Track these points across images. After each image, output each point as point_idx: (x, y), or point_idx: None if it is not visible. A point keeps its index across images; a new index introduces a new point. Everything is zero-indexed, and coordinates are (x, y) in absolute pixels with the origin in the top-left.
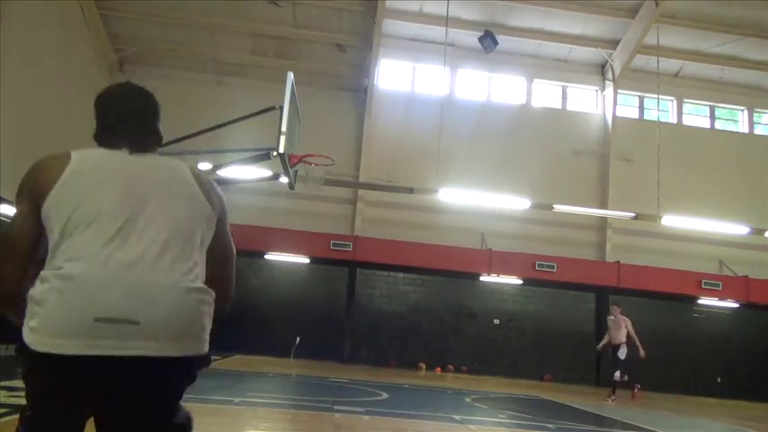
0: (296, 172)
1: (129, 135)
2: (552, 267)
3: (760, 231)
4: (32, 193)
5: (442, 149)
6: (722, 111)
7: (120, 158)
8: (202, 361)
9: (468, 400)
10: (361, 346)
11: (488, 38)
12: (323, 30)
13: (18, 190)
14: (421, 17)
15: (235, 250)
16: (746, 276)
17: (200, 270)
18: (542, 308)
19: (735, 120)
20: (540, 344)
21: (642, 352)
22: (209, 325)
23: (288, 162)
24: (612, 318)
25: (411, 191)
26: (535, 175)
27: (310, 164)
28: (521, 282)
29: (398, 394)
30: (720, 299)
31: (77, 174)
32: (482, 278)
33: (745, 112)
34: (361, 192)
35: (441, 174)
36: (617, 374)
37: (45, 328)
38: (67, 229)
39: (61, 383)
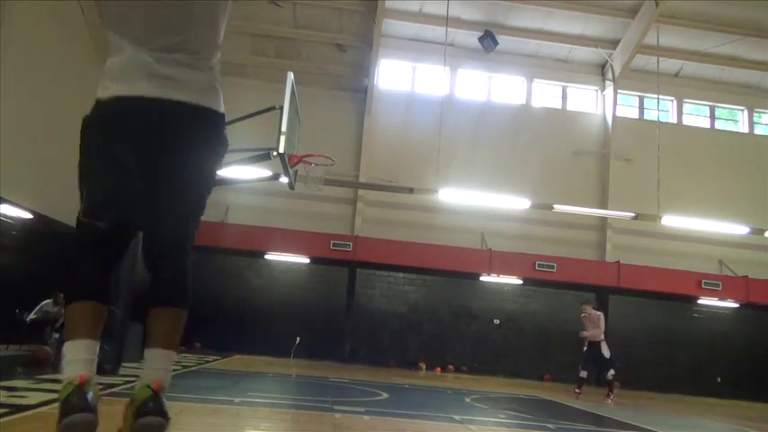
0: (296, 172)
1: None
2: (552, 267)
3: (760, 231)
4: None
5: (442, 149)
6: (722, 111)
7: None
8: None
9: (468, 400)
10: (361, 346)
11: (488, 38)
12: (323, 30)
13: None
14: (421, 17)
15: None
16: (746, 276)
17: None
18: (542, 308)
19: (735, 120)
20: (540, 344)
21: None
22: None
23: (288, 162)
24: (586, 315)
25: (411, 191)
26: (535, 175)
27: (310, 164)
28: (521, 282)
29: (398, 394)
30: (720, 299)
31: None
32: (482, 278)
33: (745, 112)
34: (361, 192)
35: (441, 174)
36: (611, 373)
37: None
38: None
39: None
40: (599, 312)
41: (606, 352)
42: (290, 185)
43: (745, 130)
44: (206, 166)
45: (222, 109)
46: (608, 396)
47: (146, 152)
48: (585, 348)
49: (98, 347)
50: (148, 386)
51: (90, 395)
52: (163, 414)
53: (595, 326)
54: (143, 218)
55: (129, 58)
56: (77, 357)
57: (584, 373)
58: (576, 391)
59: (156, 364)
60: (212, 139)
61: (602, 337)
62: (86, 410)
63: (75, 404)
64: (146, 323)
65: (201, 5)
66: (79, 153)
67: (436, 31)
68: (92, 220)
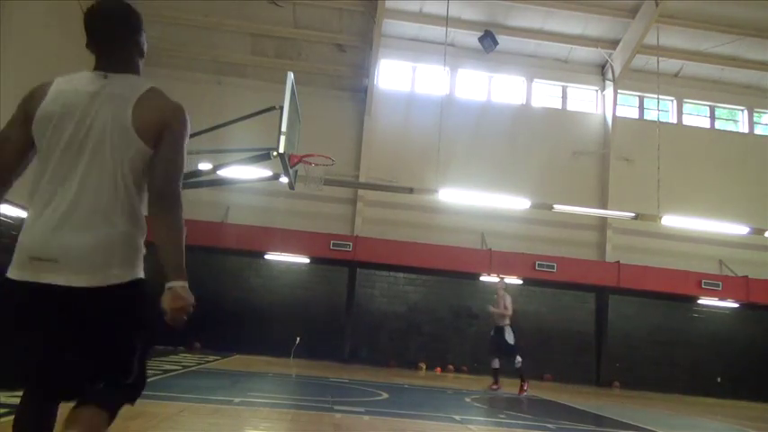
0: (296, 172)
1: (105, 51)
2: (552, 267)
3: (760, 231)
4: (23, 115)
5: (442, 149)
6: (722, 111)
7: (86, 87)
8: (130, 289)
9: (468, 400)
10: (361, 346)
11: (488, 38)
12: (323, 30)
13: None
14: (421, 17)
15: (183, 167)
16: (746, 276)
17: (126, 204)
18: (542, 308)
19: (735, 120)
20: (540, 344)
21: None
22: (121, 256)
23: (288, 162)
24: (498, 296)
25: (411, 191)
26: (535, 175)
27: (310, 164)
28: (521, 282)
29: (398, 394)
30: (720, 299)
31: (51, 100)
32: (482, 278)
33: (745, 112)
34: (361, 192)
35: (441, 174)
36: (518, 360)
37: (14, 262)
38: (40, 160)
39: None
40: (507, 295)
41: (510, 338)
42: (290, 185)
43: (745, 130)
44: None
45: (128, 277)
46: (521, 389)
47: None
48: (492, 334)
49: None
50: None
51: None
52: None
53: (500, 307)
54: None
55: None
56: None
57: (495, 363)
58: (494, 387)
59: None
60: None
61: (508, 321)
62: None
63: None
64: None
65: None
66: None
67: (436, 31)
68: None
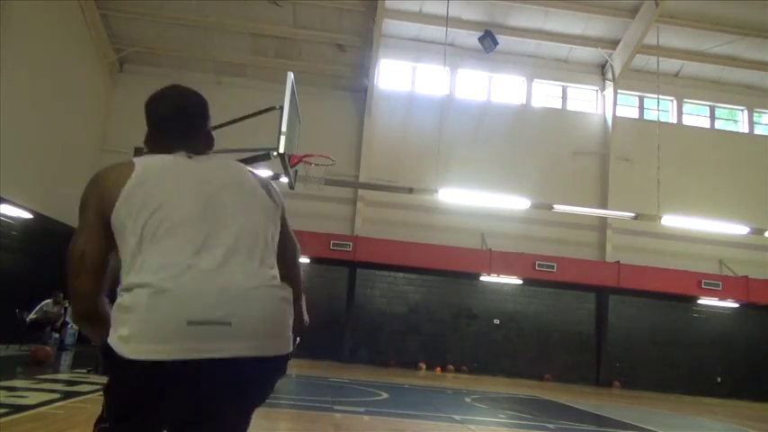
0: (296, 172)
1: (185, 139)
2: (552, 267)
3: (760, 231)
4: (99, 203)
5: (442, 149)
6: (722, 111)
7: (183, 163)
8: (287, 358)
9: (468, 400)
10: (361, 346)
11: (488, 38)
12: (323, 30)
13: (81, 202)
14: (421, 17)
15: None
16: (746, 276)
17: (277, 268)
18: (542, 308)
19: (735, 120)
20: (541, 344)
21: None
22: (291, 322)
23: (288, 162)
24: None
25: (411, 191)
26: (535, 175)
27: (310, 164)
28: (521, 282)
29: (398, 394)
30: (720, 299)
31: (144, 180)
32: (482, 278)
33: (745, 112)
34: (361, 192)
35: (441, 174)
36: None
37: (139, 335)
38: (145, 235)
39: (152, 390)
40: None
41: None
42: (290, 185)
43: (745, 130)
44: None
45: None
46: None
47: None
48: None
49: None
50: None
51: None
52: None
53: None
54: None
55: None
56: None
57: None
58: None
59: None
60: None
61: None
62: None
63: None
64: None
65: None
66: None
67: (436, 31)
68: None
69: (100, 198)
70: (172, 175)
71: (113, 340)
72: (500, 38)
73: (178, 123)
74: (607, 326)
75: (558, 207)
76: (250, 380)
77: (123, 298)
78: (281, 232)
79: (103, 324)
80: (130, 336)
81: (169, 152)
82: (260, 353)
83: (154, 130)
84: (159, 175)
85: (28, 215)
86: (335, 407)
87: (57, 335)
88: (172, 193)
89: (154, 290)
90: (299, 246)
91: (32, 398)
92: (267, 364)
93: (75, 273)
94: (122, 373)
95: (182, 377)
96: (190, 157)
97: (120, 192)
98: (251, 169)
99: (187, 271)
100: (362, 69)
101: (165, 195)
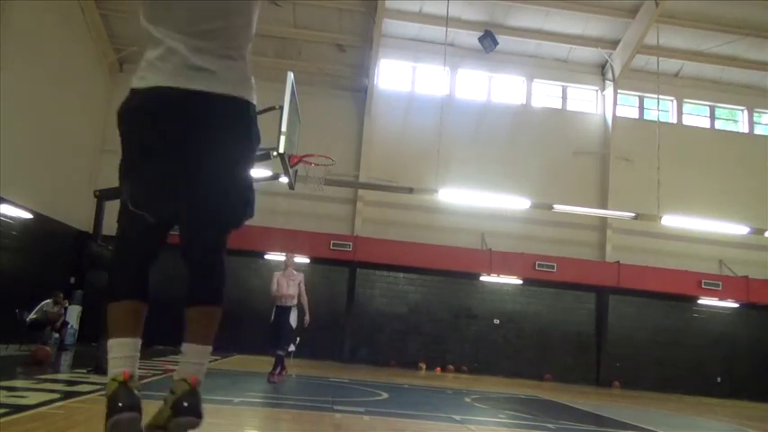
0: (296, 172)
1: None
2: (552, 267)
3: (760, 231)
4: None
5: (442, 149)
6: (722, 111)
7: None
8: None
9: (468, 400)
10: (361, 346)
11: (488, 38)
12: (323, 30)
13: None
14: (421, 17)
15: None
16: (746, 276)
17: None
18: (542, 308)
19: (735, 120)
20: (540, 344)
21: (308, 318)
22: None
23: (288, 162)
24: (282, 273)
25: (411, 191)
26: (535, 175)
27: (310, 164)
28: (521, 282)
29: (398, 394)
30: (720, 299)
31: None
32: (482, 278)
33: (745, 112)
34: (361, 192)
35: (441, 174)
36: (292, 347)
37: (151, 75)
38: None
39: (155, 107)
40: (300, 273)
41: (294, 320)
42: (290, 185)
43: (745, 130)
44: (241, 159)
45: (255, 100)
46: (278, 373)
47: (181, 144)
48: (272, 318)
49: (140, 344)
50: (185, 380)
51: (135, 392)
52: (198, 413)
53: (290, 287)
54: (182, 210)
55: (166, 49)
56: (121, 355)
57: (282, 351)
58: (275, 377)
59: (193, 359)
60: (246, 130)
61: (295, 302)
62: (132, 409)
63: (123, 402)
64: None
65: None
66: (121, 146)
67: (436, 31)
68: (138, 210)
69: None
70: None
71: (134, 83)
72: (500, 38)
73: None
74: (607, 326)
75: (558, 207)
76: (224, 111)
77: (146, 52)
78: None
79: None
80: (145, 76)
81: None
82: (233, 92)
83: None
84: None
85: (28, 215)
86: (335, 407)
87: (57, 335)
88: None
89: (166, 46)
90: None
91: (32, 398)
92: (237, 103)
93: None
94: (134, 100)
95: (177, 99)
96: None
97: None
98: None
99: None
100: (362, 69)
101: None
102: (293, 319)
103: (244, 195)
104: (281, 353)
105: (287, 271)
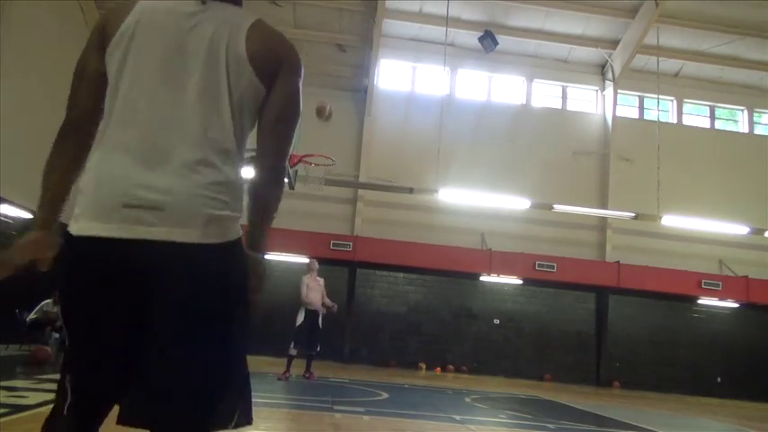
0: (296, 172)
1: None
2: (552, 267)
3: (760, 231)
4: (99, 33)
5: (442, 149)
6: (722, 111)
7: (180, 7)
8: (225, 247)
9: (468, 400)
10: (361, 346)
11: (488, 38)
12: (323, 30)
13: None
14: (421, 17)
15: (298, 112)
16: (746, 276)
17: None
18: (542, 308)
19: (735, 120)
20: (540, 344)
21: (334, 304)
22: (226, 210)
23: (288, 162)
24: (309, 276)
25: (411, 191)
26: (535, 175)
27: (310, 164)
28: (521, 282)
29: (398, 394)
30: (720, 299)
31: (133, 24)
32: (482, 278)
33: (745, 112)
34: (361, 192)
35: (441, 174)
36: (318, 347)
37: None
38: (114, 84)
39: (88, 264)
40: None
41: (319, 323)
42: (290, 185)
43: (745, 130)
44: (208, 327)
45: (228, 236)
46: (307, 374)
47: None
48: (302, 321)
49: None
50: None
51: None
52: None
53: (316, 291)
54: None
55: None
56: None
57: (294, 351)
58: (285, 375)
59: None
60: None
61: (320, 306)
62: None
63: None
64: None
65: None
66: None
67: (436, 31)
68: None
69: (101, 26)
70: (155, 29)
71: (69, 222)
72: (500, 38)
73: None
74: (607, 326)
75: (558, 207)
76: (182, 265)
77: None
78: (272, 94)
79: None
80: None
81: None
82: (188, 239)
83: None
84: (146, 23)
85: (28, 215)
86: (335, 407)
87: (57, 335)
88: (145, 46)
89: (96, 174)
90: (292, 116)
91: (32, 398)
92: (198, 251)
93: (74, 86)
94: (66, 250)
95: (116, 254)
96: (203, 2)
97: (118, 29)
98: (261, 22)
99: (125, 149)
100: (362, 69)
101: (140, 47)
102: (319, 321)
103: (215, 380)
104: (312, 353)
105: (313, 275)
